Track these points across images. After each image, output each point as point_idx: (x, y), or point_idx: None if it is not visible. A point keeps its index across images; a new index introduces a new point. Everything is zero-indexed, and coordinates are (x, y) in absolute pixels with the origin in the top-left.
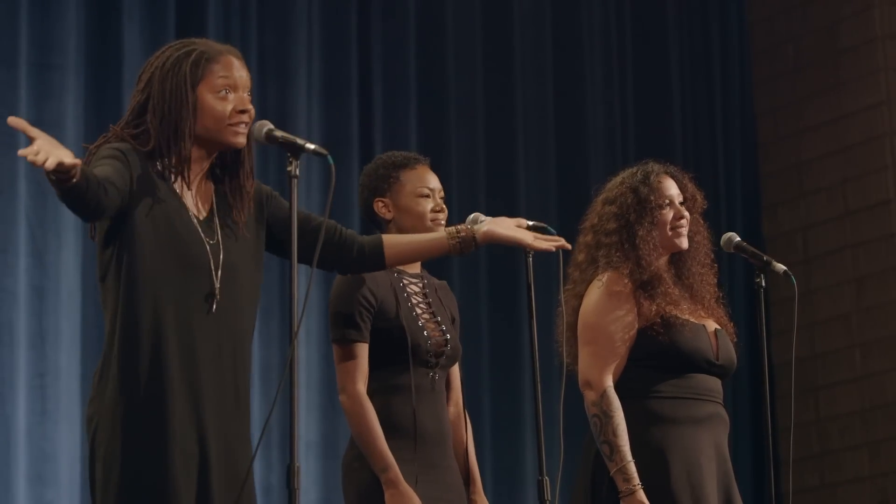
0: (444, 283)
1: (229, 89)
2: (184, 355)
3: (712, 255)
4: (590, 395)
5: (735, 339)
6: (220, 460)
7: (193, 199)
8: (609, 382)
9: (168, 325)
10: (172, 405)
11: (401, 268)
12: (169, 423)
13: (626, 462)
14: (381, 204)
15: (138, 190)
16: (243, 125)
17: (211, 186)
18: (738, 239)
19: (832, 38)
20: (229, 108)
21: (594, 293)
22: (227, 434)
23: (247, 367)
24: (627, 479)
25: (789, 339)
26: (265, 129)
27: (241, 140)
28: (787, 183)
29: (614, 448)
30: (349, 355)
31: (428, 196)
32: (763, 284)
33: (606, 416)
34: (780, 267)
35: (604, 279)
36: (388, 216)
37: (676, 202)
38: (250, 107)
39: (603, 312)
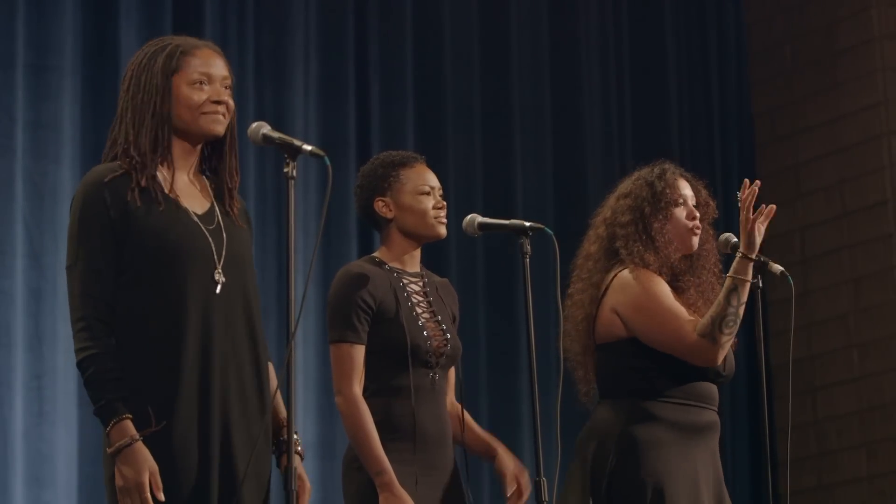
0: (446, 280)
1: (204, 81)
2: (196, 344)
3: (720, 266)
4: (709, 350)
5: (735, 349)
6: (229, 456)
7: (189, 192)
8: (694, 327)
9: (175, 317)
10: (181, 398)
11: (401, 267)
12: (176, 415)
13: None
14: (381, 203)
15: (126, 216)
16: (220, 115)
17: (206, 181)
18: (736, 240)
19: (829, 39)
20: (203, 98)
21: (633, 287)
22: (238, 428)
23: (265, 350)
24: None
25: (787, 339)
26: (262, 131)
27: (218, 128)
28: (784, 183)
29: (732, 296)
30: (345, 357)
31: (428, 193)
32: (760, 285)
33: (722, 320)
34: (778, 267)
35: (634, 272)
36: (390, 215)
37: (690, 203)
38: (225, 98)
39: (656, 294)
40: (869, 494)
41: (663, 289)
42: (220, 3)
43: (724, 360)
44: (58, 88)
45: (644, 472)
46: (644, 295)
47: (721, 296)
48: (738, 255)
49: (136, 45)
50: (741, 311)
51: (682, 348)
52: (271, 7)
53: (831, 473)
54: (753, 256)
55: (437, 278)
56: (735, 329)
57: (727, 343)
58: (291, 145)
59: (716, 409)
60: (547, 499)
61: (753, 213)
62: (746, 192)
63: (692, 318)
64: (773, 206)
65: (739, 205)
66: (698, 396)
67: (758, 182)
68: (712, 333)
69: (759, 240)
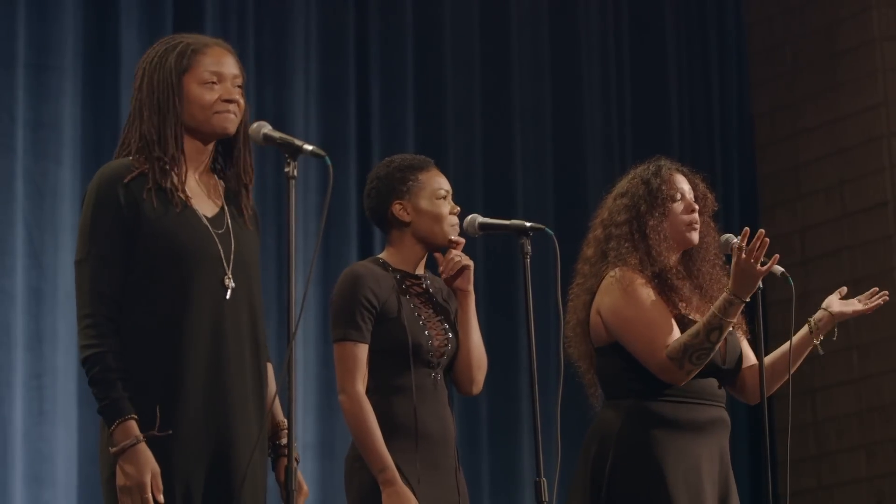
0: None
1: (216, 80)
2: (204, 349)
3: (724, 258)
4: (672, 374)
5: (749, 337)
6: (231, 461)
7: (199, 193)
8: (667, 344)
9: (184, 320)
10: (187, 402)
11: (404, 269)
12: (181, 420)
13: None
14: (399, 206)
15: (139, 215)
16: (231, 114)
17: (218, 181)
18: (736, 240)
19: (830, 40)
20: (214, 97)
21: (614, 291)
22: (239, 433)
23: (265, 355)
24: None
25: (786, 340)
26: (263, 131)
27: (230, 127)
28: (784, 184)
29: (715, 317)
30: (349, 355)
31: (445, 197)
32: (761, 286)
33: (694, 351)
34: (778, 268)
35: (617, 275)
36: (407, 219)
37: (688, 197)
38: (237, 97)
39: (634, 302)
40: (868, 496)
41: (644, 296)
42: (220, 2)
43: (726, 353)
44: (58, 88)
45: (642, 470)
46: (623, 301)
47: (701, 327)
48: (730, 295)
49: (137, 45)
50: (717, 347)
51: (650, 362)
52: (272, 7)
53: (830, 474)
54: (746, 299)
55: (439, 281)
56: (705, 361)
57: (693, 372)
58: (292, 145)
59: (721, 404)
60: (547, 499)
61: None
62: (756, 242)
63: (671, 327)
64: (766, 239)
65: (737, 246)
66: (698, 393)
67: (765, 238)
68: (681, 360)
69: (756, 284)
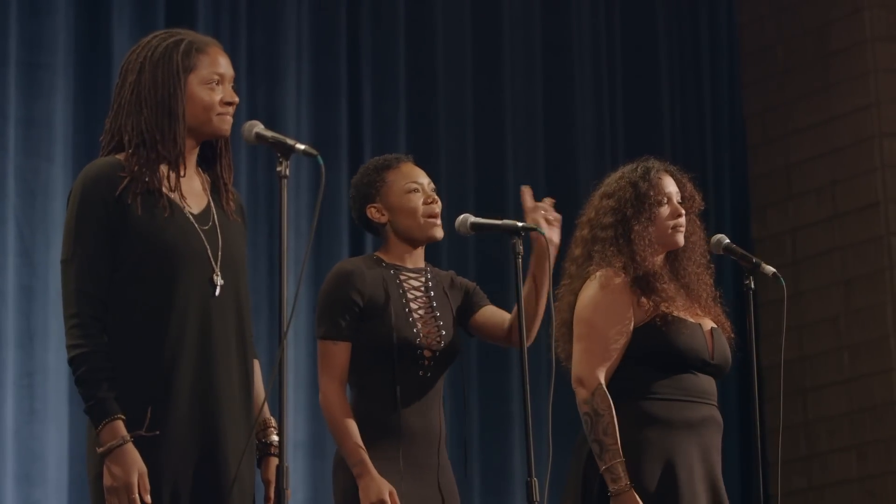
0: (451, 273)
1: (219, 81)
2: (192, 347)
3: (708, 256)
4: (581, 393)
5: (732, 337)
6: (220, 460)
7: (187, 190)
8: (601, 380)
9: (171, 319)
10: (176, 401)
11: (400, 264)
12: (169, 419)
13: (616, 462)
14: (374, 209)
15: (125, 214)
16: (230, 116)
17: (204, 177)
18: (728, 241)
19: (822, 40)
20: (217, 98)
21: (590, 289)
22: (228, 431)
23: (252, 352)
24: (616, 479)
25: (778, 341)
26: (255, 130)
27: (228, 129)
28: (776, 185)
29: (604, 447)
30: (326, 353)
31: (417, 190)
32: (752, 286)
33: (597, 414)
34: (770, 269)
35: (599, 275)
36: (383, 220)
37: (674, 200)
38: (237, 98)
39: (598, 309)
40: (859, 496)
41: (611, 306)
42: (212, 1)
43: (714, 349)
44: (50, 86)
45: (632, 472)
46: (591, 301)
47: (610, 454)
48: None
49: (129, 44)
50: (594, 446)
51: (579, 366)
52: (264, 6)
53: (821, 475)
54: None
55: (442, 273)
56: (584, 425)
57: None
58: (285, 144)
59: (712, 402)
60: (538, 499)
61: None
62: None
63: (614, 353)
64: None
65: None
66: (688, 391)
67: None
68: (592, 405)
69: None
